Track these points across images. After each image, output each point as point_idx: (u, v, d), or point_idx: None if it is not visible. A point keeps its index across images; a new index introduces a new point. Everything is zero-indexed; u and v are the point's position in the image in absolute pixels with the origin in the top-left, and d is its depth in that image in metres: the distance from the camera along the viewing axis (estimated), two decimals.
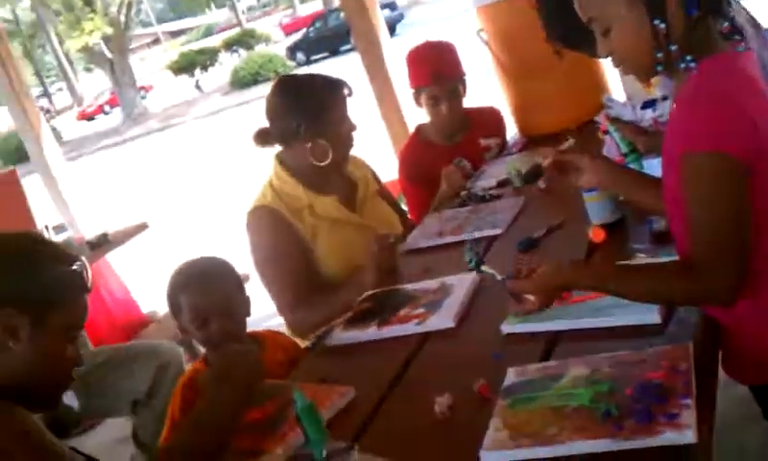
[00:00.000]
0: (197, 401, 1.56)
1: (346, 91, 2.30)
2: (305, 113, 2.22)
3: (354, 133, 2.33)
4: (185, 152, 16.19)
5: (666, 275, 1.34)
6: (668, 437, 1.12)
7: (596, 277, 1.43)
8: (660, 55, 1.31)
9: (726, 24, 1.30)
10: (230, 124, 18.17)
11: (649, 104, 2.60)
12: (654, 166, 1.87)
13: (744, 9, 1.45)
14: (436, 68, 2.81)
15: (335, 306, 2.06)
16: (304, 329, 2.16)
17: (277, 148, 2.37)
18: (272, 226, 2.23)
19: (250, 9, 62.13)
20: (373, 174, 2.59)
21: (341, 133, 2.28)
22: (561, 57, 2.78)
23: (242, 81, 25.31)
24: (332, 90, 2.28)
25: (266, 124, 2.34)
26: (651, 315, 1.44)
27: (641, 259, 1.67)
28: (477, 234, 2.21)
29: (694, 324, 1.41)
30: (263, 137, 2.34)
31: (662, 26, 1.28)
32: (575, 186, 1.73)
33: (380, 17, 3.93)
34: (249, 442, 1.51)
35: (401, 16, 25.69)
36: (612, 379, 1.29)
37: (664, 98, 2.58)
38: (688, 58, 1.29)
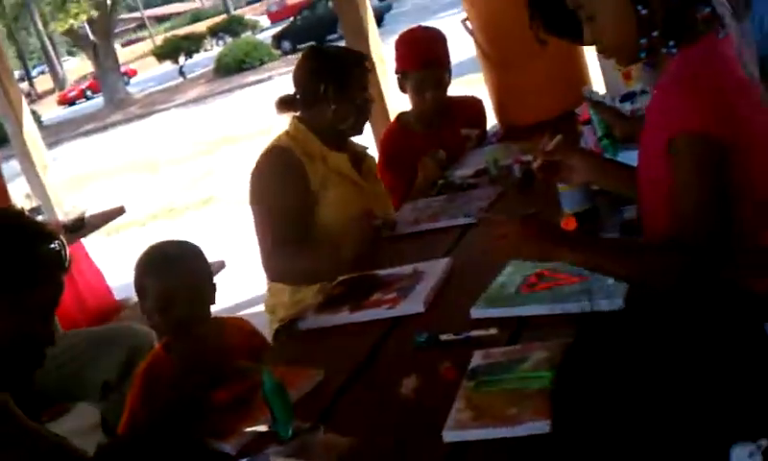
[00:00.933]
0: (165, 387, 1.56)
1: (368, 64, 2.47)
2: (333, 77, 2.35)
3: (371, 106, 2.48)
4: (167, 138, 16.10)
5: (657, 251, 1.35)
6: None
7: (580, 254, 1.41)
8: (643, 41, 1.33)
9: (707, 10, 1.31)
10: (214, 111, 18.10)
11: (628, 96, 2.63)
12: (630, 158, 1.89)
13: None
14: (426, 54, 2.84)
15: (309, 264, 2.18)
16: (274, 273, 2.27)
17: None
18: (282, 167, 2.30)
19: None
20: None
21: (362, 100, 2.42)
22: (544, 45, 2.79)
23: (227, 68, 25.16)
24: (358, 60, 2.44)
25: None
26: (616, 300, 1.46)
27: None
28: (452, 223, 2.22)
29: None
30: (287, 103, 2.44)
31: (644, 12, 1.30)
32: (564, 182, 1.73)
33: (368, 7, 3.94)
34: (217, 422, 1.51)
35: (389, 7, 25.66)
36: None
37: (643, 91, 2.61)
38: (671, 43, 1.31)
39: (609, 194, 1.84)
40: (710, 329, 0.86)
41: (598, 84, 3.23)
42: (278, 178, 2.29)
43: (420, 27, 3.00)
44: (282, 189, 2.27)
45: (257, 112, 14.74)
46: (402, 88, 2.94)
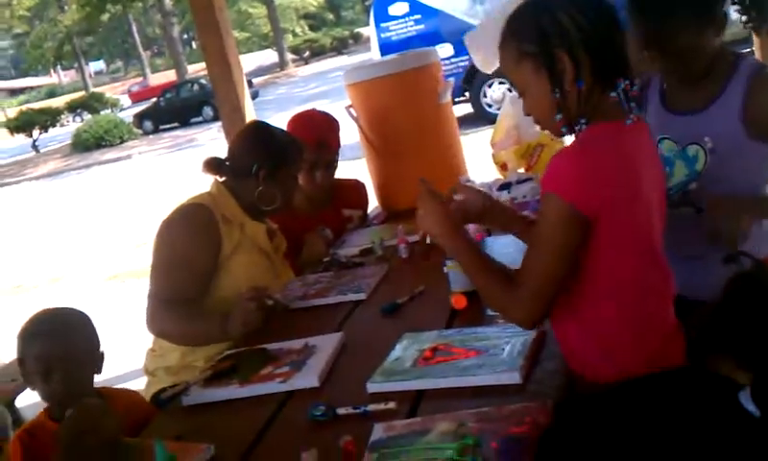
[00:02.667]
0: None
1: (305, 155, 2.52)
2: (268, 161, 2.35)
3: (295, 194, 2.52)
4: (15, 212, 15.26)
5: (500, 282, 1.48)
6: None
7: (455, 247, 1.57)
8: (558, 117, 1.46)
9: (613, 94, 1.44)
10: (69, 186, 17.40)
11: (504, 186, 2.76)
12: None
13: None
14: (322, 135, 2.88)
15: (192, 328, 2.16)
16: (157, 328, 2.21)
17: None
18: (197, 223, 2.25)
19: (98, 73, 60.57)
20: None
21: (290, 189, 2.44)
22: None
23: (85, 144, 24.35)
24: (297, 148, 2.45)
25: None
26: (513, 374, 1.50)
27: (500, 320, 1.74)
28: (342, 299, 2.22)
29: (552, 383, 1.48)
30: (215, 166, 2.41)
31: (557, 96, 1.43)
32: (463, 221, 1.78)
33: (245, 86, 3.97)
34: None
35: (256, 94, 25.87)
36: (477, 434, 1.32)
37: (519, 181, 2.75)
38: (582, 120, 1.44)
39: None
40: (691, 406, 0.90)
41: (474, 172, 3.39)
42: (191, 233, 2.24)
43: (314, 110, 3.07)
44: (191, 245, 2.22)
45: (115, 189, 14.32)
46: None
